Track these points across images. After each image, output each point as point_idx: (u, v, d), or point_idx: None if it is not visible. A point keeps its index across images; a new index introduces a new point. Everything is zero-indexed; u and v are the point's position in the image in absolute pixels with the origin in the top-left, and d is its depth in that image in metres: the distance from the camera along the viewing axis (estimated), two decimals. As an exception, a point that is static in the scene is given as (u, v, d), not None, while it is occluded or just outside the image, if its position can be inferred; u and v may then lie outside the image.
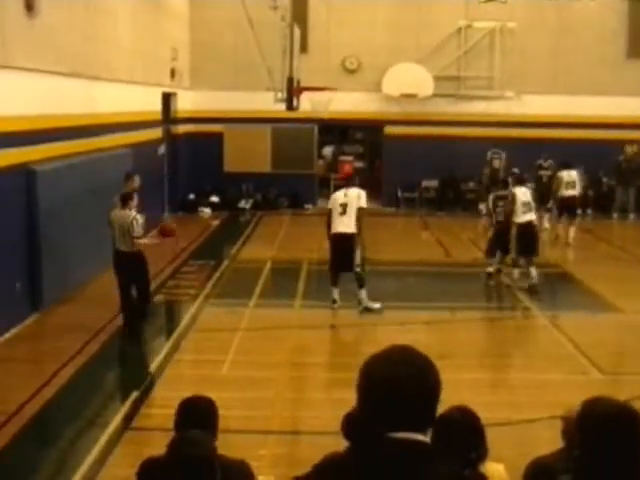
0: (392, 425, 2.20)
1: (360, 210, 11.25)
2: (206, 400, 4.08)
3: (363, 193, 11.50)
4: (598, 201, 22.19)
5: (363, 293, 11.38)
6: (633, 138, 22.21)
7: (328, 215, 11.54)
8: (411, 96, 21.90)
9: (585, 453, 3.04)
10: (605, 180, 22.44)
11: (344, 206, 11.26)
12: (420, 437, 2.22)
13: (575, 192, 17.42)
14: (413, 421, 2.21)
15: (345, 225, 11.22)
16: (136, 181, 11.39)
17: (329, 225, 11.43)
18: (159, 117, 19.16)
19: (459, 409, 3.82)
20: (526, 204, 12.82)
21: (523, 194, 12.94)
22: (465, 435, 3.69)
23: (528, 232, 12.76)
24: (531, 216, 12.91)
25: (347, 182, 12.06)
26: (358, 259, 11.29)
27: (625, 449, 2.97)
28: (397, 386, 2.20)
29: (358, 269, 11.34)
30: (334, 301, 11.49)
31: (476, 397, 7.20)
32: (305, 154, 22.68)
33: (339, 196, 11.49)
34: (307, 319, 11.19)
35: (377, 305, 11.32)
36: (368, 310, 11.26)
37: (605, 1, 22.29)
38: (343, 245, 11.23)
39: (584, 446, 3.05)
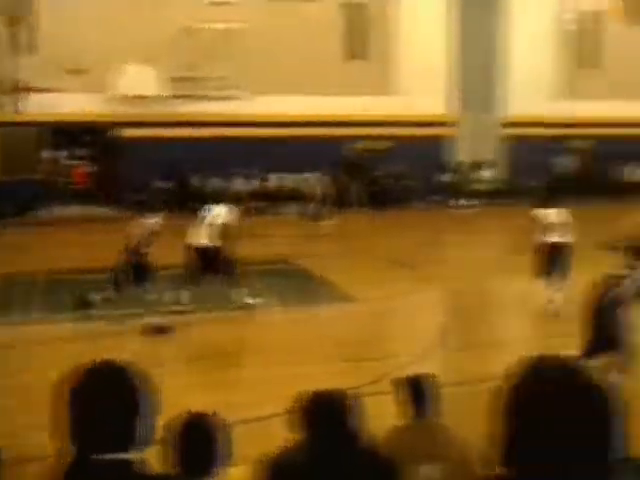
0: (95, 446, 2.05)
1: (224, 226, 11.34)
2: None
3: (235, 209, 11.78)
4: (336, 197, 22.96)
5: None
6: (355, 135, 23.42)
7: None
8: (142, 97, 21.45)
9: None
10: (336, 176, 23.36)
11: (207, 218, 11.44)
12: (126, 456, 2.08)
13: None
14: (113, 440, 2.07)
15: (202, 237, 11.31)
16: None
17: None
18: None
19: (194, 415, 3.62)
20: None
21: None
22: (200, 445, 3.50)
23: None
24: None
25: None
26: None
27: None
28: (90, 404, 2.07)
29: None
30: None
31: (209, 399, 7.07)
32: (32, 158, 21.54)
33: (209, 209, 11.65)
34: None
35: None
36: None
37: (324, 5, 23.34)
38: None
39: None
